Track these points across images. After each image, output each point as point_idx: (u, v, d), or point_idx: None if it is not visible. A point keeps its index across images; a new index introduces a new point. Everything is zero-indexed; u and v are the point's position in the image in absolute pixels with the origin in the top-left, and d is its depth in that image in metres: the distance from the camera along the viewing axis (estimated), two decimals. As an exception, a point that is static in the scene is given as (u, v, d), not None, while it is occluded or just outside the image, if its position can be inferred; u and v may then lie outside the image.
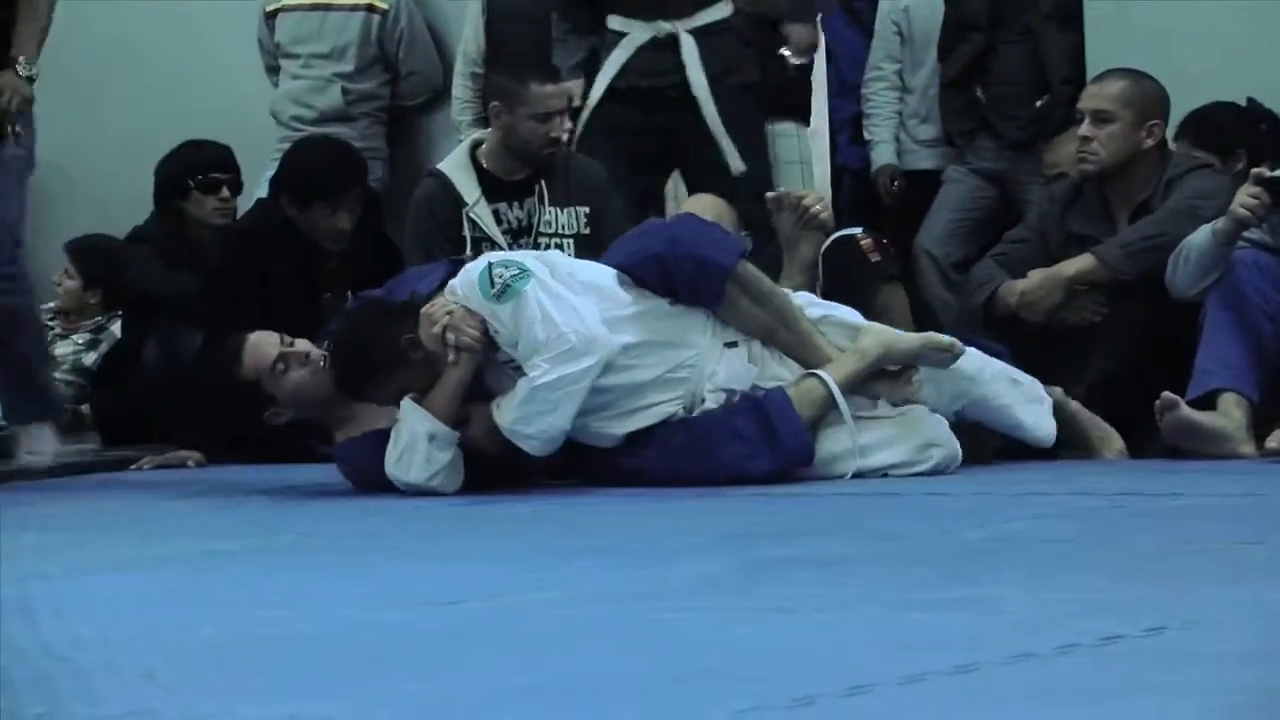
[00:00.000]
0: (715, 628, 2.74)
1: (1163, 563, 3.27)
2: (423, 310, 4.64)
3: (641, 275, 4.74)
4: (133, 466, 6.01)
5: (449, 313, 4.59)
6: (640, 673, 2.42)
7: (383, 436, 4.75)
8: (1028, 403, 4.91)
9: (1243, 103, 5.89)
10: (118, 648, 2.72)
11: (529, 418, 4.53)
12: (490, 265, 4.59)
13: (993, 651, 2.43)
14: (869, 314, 5.05)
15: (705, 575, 3.24)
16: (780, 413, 4.64)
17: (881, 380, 4.77)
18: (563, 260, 4.84)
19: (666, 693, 2.31)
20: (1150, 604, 2.76)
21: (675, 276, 4.71)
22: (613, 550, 3.71)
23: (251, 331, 4.97)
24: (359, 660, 2.58)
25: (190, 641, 2.76)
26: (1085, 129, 5.45)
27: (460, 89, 6.85)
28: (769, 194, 5.56)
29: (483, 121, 6.70)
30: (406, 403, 4.66)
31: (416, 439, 4.62)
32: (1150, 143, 5.43)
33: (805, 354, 4.77)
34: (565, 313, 4.54)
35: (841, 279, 5.25)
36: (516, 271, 4.56)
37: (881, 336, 4.80)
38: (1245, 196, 4.98)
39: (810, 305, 4.90)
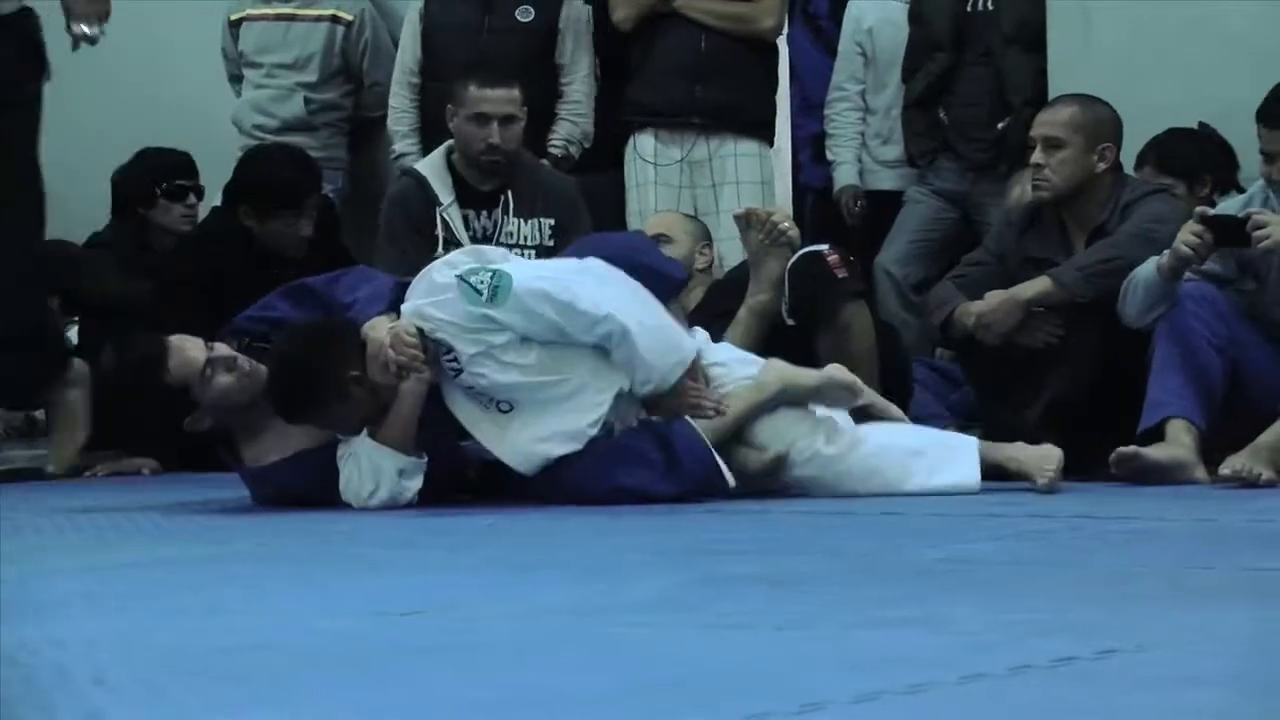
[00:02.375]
0: (670, 643, 2.74)
1: (1116, 586, 3.28)
2: (368, 350, 4.62)
3: None
4: (86, 473, 5.99)
5: (390, 340, 4.58)
6: (594, 687, 2.42)
7: (309, 460, 4.73)
8: (936, 466, 4.79)
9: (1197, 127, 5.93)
10: (70, 653, 2.71)
11: (579, 309, 4.55)
12: (461, 279, 4.59)
13: (946, 671, 2.43)
14: (832, 330, 5.05)
15: (661, 590, 3.25)
16: (683, 438, 4.65)
17: (748, 450, 4.76)
18: (501, 254, 4.83)
19: (620, 707, 2.31)
20: (1103, 626, 2.77)
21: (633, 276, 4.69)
22: (569, 564, 3.71)
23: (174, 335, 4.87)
24: (313, 669, 2.57)
25: (143, 648, 2.75)
26: (1037, 156, 5.48)
27: (397, 98, 6.80)
28: (736, 211, 5.56)
29: (419, 131, 6.72)
30: (366, 440, 4.66)
31: (383, 474, 4.63)
32: (1103, 166, 5.45)
33: None
34: (563, 279, 4.59)
35: (806, 295, 5.25)
36: (491, 272, 4.59)
37: (783, 372, 4.82)
38: (1188, 235, 5.01)
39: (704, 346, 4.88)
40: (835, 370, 4.87)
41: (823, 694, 2.31)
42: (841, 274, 5.31)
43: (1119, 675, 2.44)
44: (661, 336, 4.63)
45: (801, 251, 5.36)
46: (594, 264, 4.69)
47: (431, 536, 4.27)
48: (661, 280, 4.79)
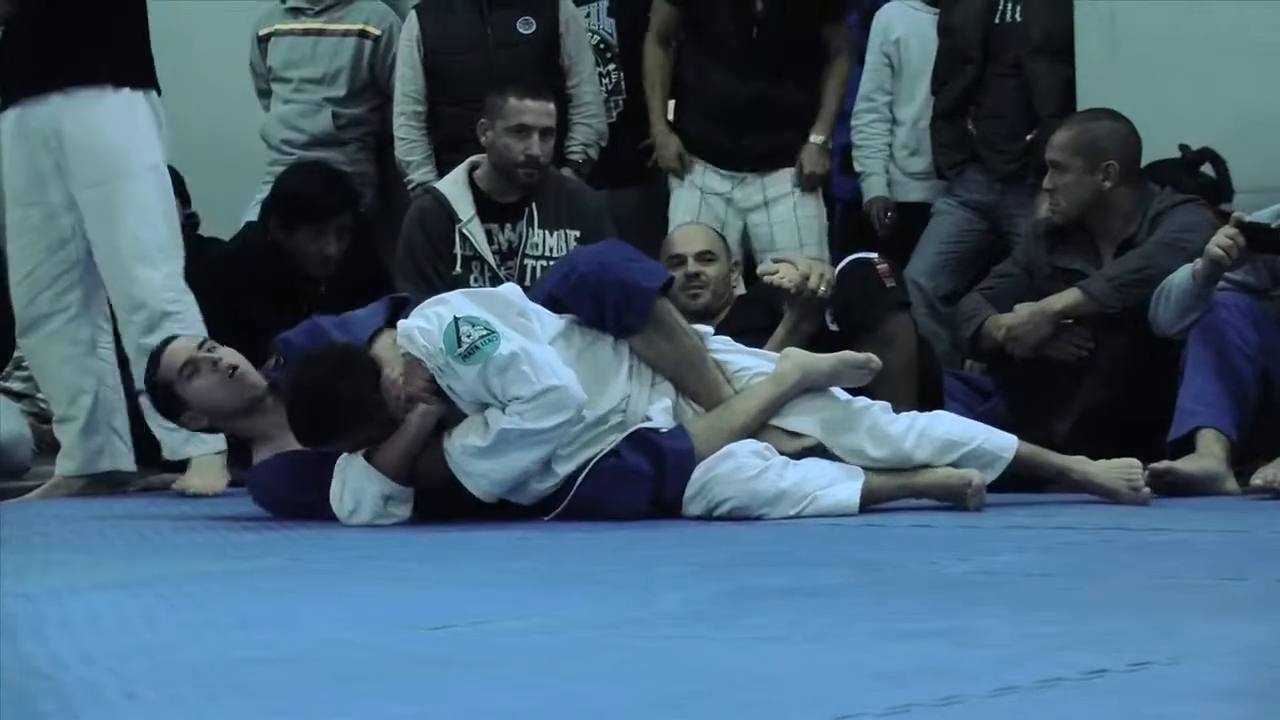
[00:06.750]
0: (700, 655, 2.74)
1: (1147, 597, 3.27)
2: (382, 382, 4.57)
3: (571, 300, 4.71)
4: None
5: (403, 370, 4.56)
6: (624, 699, 2.42)
7: (297, 461, 4.74)
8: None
9: (1218, 146, 5.91)
10: (100, 667, 2.71)
11: (487, 454, 4.52)
12: (456, 321, 4.52)
13: (977, 684, 2.42)
14: (875, 340, 5.03)
15: (690, 603, 3.24)
16: (674, 453, 4.61)
17: (782, 435, 4.73)
18: (517, 299, 4.72)
19: (650, 719, 2.31)
20: (1135, 638, 2.76)
21: (603, 300, 4.67)
22: (598, 577, 3.71)
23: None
24: (343, 683, 2.57)
25: (173, 662, 2.76)
26: (1047, 180, 5.50)
27: (404, 129, 6.76)
28: (767, 275, 5.39)
29: (432, 159, 6.70)
30: (358, 460, 4.63)
31: (365, 495, 4.62)
32: (1108, 184, 5.44)
33: (709, 403, 4.75)
34: (535, 368, 4.50)
35: (854, 302, 5.22)
36: (485, 332, 4.50)
37: (799, 359, 4.79)
38: (1222, 238, 5.00)
39: (725, 350, 4.86)
40: (847, 353, 4.84)
41: (854, 706, 2.30)
42: (890, 283, 5.29)
43: (1151, 688, 2.43)
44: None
45: (852, 257, 5.34)
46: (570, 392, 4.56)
47: (462, 550, 4.27)
48: (638, 294, 4.69)
